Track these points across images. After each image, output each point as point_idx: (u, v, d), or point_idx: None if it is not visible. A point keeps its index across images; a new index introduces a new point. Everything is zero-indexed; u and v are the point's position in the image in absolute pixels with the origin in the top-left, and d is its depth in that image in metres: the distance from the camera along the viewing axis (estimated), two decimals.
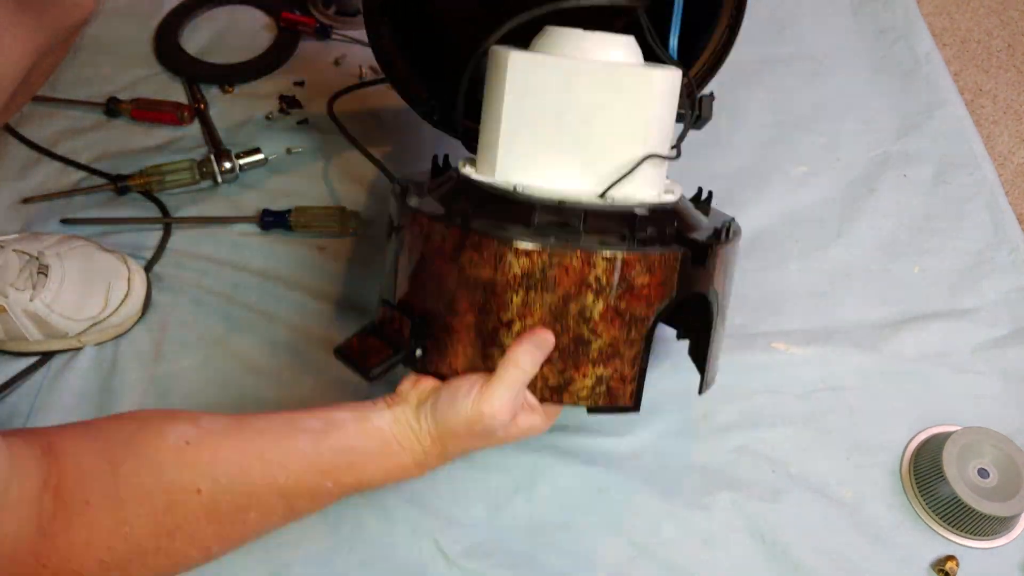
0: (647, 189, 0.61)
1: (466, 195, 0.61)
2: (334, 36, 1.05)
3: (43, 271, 0.74)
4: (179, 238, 0.86)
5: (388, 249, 0.64)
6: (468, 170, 0.63)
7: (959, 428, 0.73)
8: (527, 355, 0.55)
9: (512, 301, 0.56)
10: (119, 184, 0.88)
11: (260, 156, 0.91)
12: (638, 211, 0.58)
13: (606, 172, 0.60)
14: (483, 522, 0.69)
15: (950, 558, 0.69)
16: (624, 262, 0.55)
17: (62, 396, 0.74)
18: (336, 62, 1.04)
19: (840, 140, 0.99)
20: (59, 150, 0.92)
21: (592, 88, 0.58)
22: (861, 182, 0.95)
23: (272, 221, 0.87)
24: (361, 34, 1.06)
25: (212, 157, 0.89)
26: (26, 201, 0.88)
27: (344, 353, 0.62)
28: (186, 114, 0.95)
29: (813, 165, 0.96)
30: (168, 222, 0.87)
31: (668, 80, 0.60)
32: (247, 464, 0.52)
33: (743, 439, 0.74)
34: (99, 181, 0.90)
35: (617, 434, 0.74)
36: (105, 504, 0.47)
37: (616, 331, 0.57)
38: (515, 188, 0.59)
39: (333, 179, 0.93)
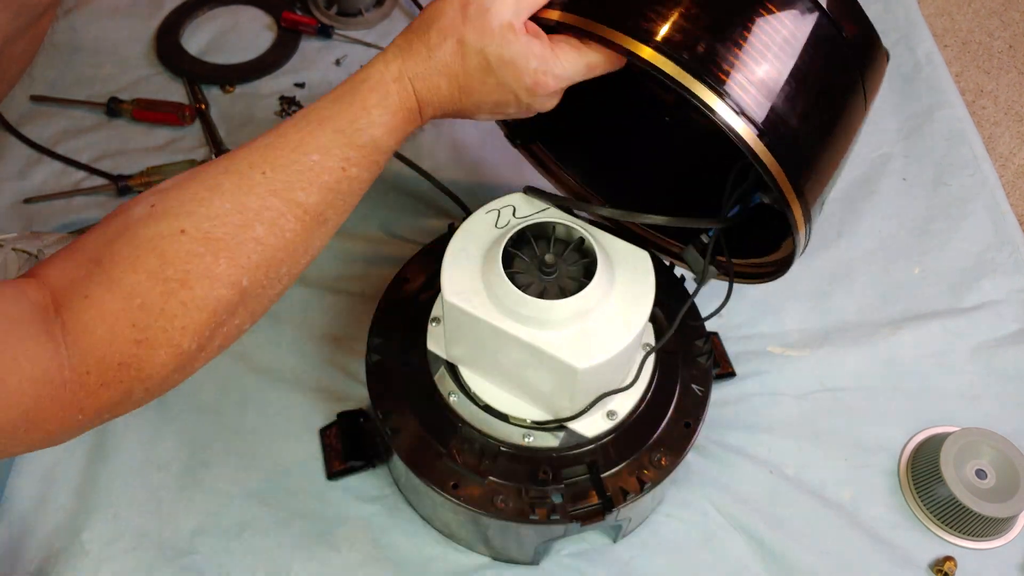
0: (583, 421, 0.61)
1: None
2: (335, 36, 1.05)
3: None
4: None
5: None
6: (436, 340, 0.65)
7: (957, 429, 0.73)
8: None
9: None
10: (120, 184, 0.88)
11: None
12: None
13: (534, 405, 0.62)
14: None
15: (948, 559, 0.69)
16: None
17: None
18: (337, 62, 1.04)
19: None
20: (60, 150, 0.92)
21: (519, 351, 0.57)
22: (861, 182, 0.95)
23: None
24: (362, 34, 1.06)
25: (213, 157, 0.90)
26: (27, 201, 0.88)
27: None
28: (187, 114, 0.96)
29: None
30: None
31: (597, 366, 0.55)
32: (216, 177, 0.48)
33: (742, 440, 0.74)
34: (100, 181, 0.90)
35: None
36: (102, 290, 0.45)
37: None
38: (449, 395, 0.63)
39: None
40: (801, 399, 0.77)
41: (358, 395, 0.75)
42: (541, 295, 0.54)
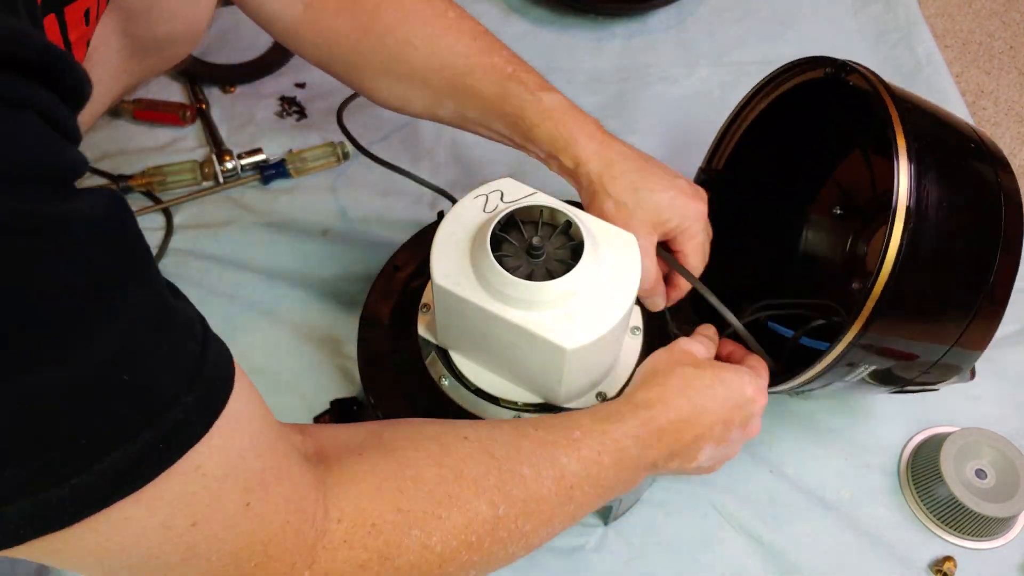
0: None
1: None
2: None
3: None
4: (180, 238, 0.86)
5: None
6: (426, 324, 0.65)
7: (957, 429, 0.73)
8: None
9: None
10: (120, 184, 0.89)
11: (262, 156, 0.92)
12: None
13: (524, 388, 0.62)
14: None
15: (948, 559, 0.69)
16: None
17: None
18: None
19: None
20: None
21: (508, 333, 0.56)
22: None
23: (273, 174, 0.91)
24: None
25: (214, 157, 0.90)
26: None
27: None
28: (188, 114, 0.96)
29: None
30: (166, 206, 0.87)
31: (585, 346, 0.55)
32: (500, 425, 0.52)
33: None
34: (101, 181, 0.90)
35: None
36: (378, 455, 0.46)
37: None
38: (440, 379, 0.63)
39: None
40: (801, 399, 0.77)
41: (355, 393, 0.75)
42: (529, 277, 0.55)
